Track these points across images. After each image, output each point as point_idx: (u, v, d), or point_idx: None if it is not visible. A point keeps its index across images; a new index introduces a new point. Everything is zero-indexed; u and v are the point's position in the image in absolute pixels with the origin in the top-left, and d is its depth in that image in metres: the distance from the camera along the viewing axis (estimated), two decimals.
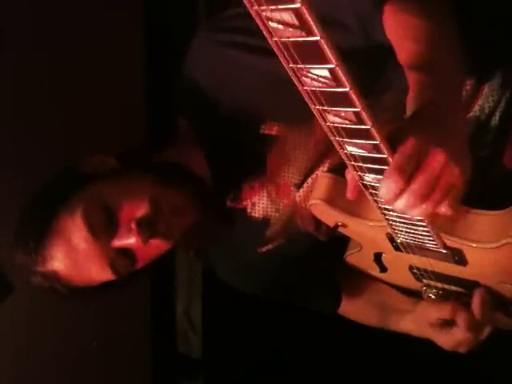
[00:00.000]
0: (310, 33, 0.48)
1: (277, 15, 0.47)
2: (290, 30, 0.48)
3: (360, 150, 0.67)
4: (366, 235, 1.06)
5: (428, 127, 0.70)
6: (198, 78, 1.09)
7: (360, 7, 0.92)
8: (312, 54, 0.51)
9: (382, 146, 0.64)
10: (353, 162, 0.71)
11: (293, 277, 1.33)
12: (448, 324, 1.11)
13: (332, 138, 0.68)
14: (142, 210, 0.99)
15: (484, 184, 0.77)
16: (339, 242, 1.20)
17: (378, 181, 0.72)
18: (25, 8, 1.47)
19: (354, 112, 0.58)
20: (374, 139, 0.63)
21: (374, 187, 0.75)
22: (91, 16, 1.54)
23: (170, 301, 1.84)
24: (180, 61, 1.13)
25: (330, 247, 1.21)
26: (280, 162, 1.10)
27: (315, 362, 1.76)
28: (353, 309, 1.33)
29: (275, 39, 0.51)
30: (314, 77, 0.54)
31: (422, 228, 0.86)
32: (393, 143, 0.66)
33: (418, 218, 0.80)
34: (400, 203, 0.68)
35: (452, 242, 0.94)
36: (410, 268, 1.11)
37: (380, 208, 0.83)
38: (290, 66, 0.55)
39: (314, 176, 1.10)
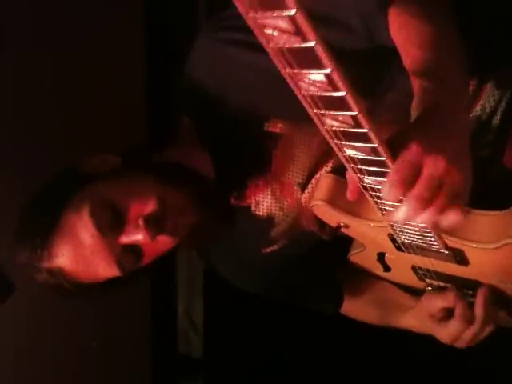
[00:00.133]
0: (305, 39, 0.48)
1: (272, 22, 0.47)
2: (285, 36, 0.48)
3: (359, 153, 0.67)
4: (368, 236, 1.07)
5: (430, 131, 0.70)
6: (200, 77, 1.09)
7: (364, 7, 0.92)
8: (308, 60, 0.50)
9: (381, 149, 0.64)
10: (352, 165, 0.71)
11: (295, 277, 1.33)
12: (447, 317, 1.11)
13: (330, 141, 0.68)
14: (149, 207, 1.00)
15: (484, 184, 0.77)
16: (342, 241, 1.20)
17: (378, 183, 0.71)
18: (25, 8, 1.47)
19: (351, 116, 0.58)
20: (371, 142, 0.63)
21: (373, 189, 0.75)
22: (91, 16, 1.54)
23: (171, 300, 1.84)
24: (180, 61, 1.13)
25: (333, 247, 1.21)
26: (284, 160, 1.10)
27: (316, 362, 1.76)
28: (354, 307, 1.33)
29: (271, 45, 0.51)
30: (311, 82, 0.54)
31: (422, 229, 0.86)
32: (395, 148, 0.66)
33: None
34: (403, 209, 0.68)
35: (453, 242, 0.94)
36: (413, 268, 1.12)
37: (380, 209, 0.83)
38: (287, 71, 0.55)
39: (317, 176, 1.10)
